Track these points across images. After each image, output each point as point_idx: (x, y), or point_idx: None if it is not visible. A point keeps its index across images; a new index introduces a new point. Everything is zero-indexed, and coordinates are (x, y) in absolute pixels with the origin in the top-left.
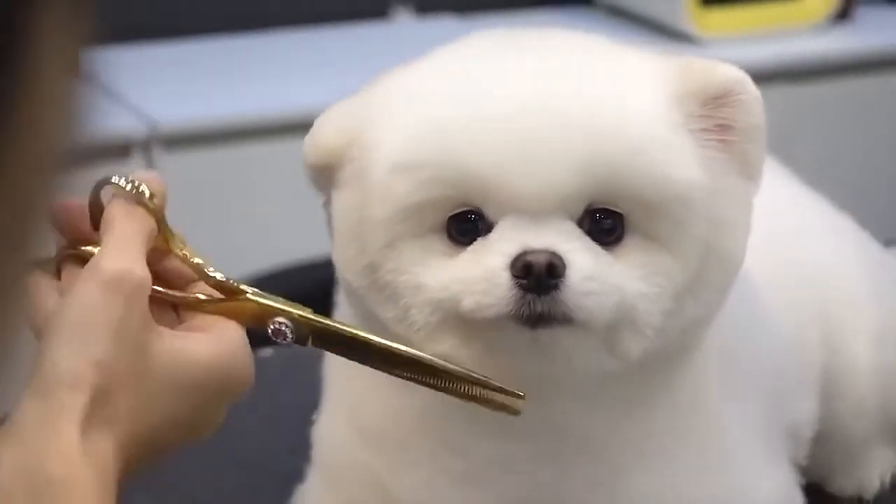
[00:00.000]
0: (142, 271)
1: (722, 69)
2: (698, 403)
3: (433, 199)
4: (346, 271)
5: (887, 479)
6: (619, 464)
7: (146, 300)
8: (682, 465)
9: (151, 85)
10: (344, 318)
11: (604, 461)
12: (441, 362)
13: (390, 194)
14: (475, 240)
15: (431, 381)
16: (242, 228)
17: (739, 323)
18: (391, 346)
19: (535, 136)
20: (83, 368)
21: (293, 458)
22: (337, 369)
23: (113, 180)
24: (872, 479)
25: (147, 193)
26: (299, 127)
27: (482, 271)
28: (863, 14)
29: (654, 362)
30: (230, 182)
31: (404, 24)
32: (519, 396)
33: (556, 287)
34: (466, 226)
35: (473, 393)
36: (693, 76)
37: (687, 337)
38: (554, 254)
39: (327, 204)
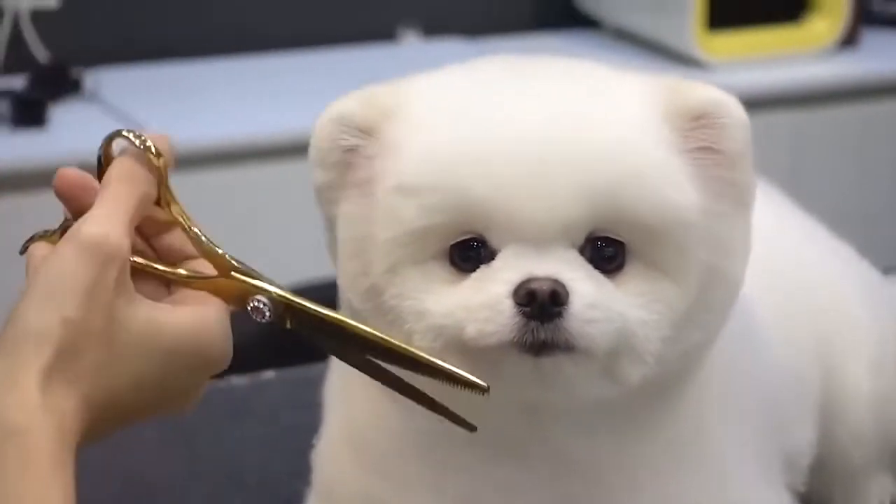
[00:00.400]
0: (119, 238)
1: (702, 90)
2: (697, 428)
3: (436, 225)
4: (349, 291)
5: None
6: (617, 487)
7: (122, 266)
8: (680, 489)
9: (157, 105)
10: None
11: (603, 484)
12: (412, 350)
13: (394, 216)
14: (478, 267)
15: (404, 366)
16: (247, 249)
17: (737, 349)
18: (364, 331)
19: (538, 165)
20: (49, 324)
21: (294, 480)
22: (337, 392)
23: (123, 133)
24: None
25: (153, 150)
26: (305, 149)
27: (485, 298)
28: (869, 40)
29: (654, 387)
30: (236, 203)
31: (411, 45)
32: (483, 389)
33: (559, 315)
34: (469, 253)
35: (441, 378)
36: (678, 96)
37: (687, 362)
38: (557, 281)
39: (331, 225)
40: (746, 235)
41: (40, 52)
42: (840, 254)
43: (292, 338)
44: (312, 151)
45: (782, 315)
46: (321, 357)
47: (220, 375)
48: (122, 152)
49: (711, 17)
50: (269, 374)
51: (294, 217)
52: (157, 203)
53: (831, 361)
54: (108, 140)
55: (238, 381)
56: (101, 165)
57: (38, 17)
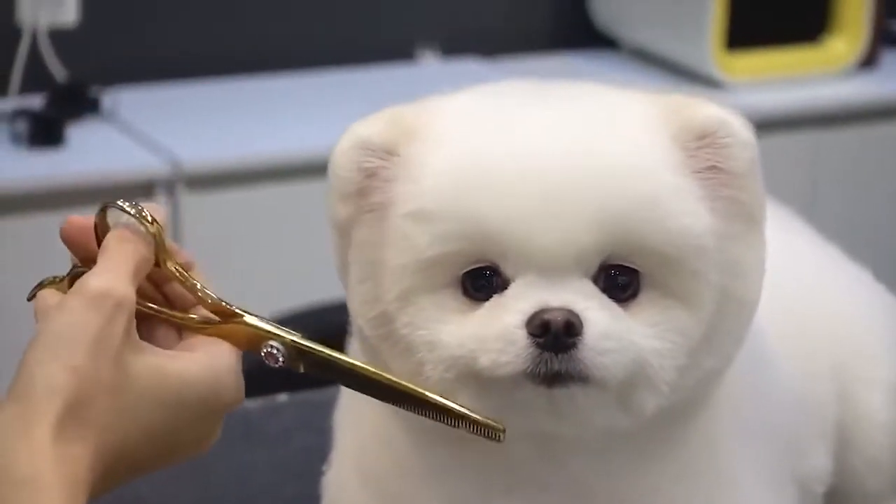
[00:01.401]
0: (125, 290)
1: (706, 109)
2: (710, 454)
3: (449, 253)
4: (360, 317)
5: None
6: None
7: (128, 317)
8: None
9: (176, 125)
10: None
11: None
12: (426, 393)
13: (407, 242)
14: (490, 296)
15: (418, 411)
16: (265, 268)
17: (750, 376)
18: (377, 374)
19: (551, 195)
20: (59, 375)
21: None
22: (346, 418)
23: (117, 204)
24: None
25: (149, 217)
26: (324, 168)
27: (499, 329)
28: (888, 60)
29: (669, 415)
30: (254, 222)
31: (430, 65)
32: (499, 429)
33: (573, 346)
34: (482, 281)
35: (455, 423)
36: (682, 115)
37: (702, 388)
38: (571, 312)
39: (342, 250)
40: (760, 257)
41: (58, 71)
42: (856, 279)
43: None
44: (334, 180)
45: (797, 341)
46: (333, 381)
47: None
48: (117, 224)
49: (730, 37)
50: (282, 398)
51: (312, 237)
52: (157, 265)
53: (847, 388)
54: (102, 210)
55: (251, 404)
56: (97, 234)
57: (56, 35)
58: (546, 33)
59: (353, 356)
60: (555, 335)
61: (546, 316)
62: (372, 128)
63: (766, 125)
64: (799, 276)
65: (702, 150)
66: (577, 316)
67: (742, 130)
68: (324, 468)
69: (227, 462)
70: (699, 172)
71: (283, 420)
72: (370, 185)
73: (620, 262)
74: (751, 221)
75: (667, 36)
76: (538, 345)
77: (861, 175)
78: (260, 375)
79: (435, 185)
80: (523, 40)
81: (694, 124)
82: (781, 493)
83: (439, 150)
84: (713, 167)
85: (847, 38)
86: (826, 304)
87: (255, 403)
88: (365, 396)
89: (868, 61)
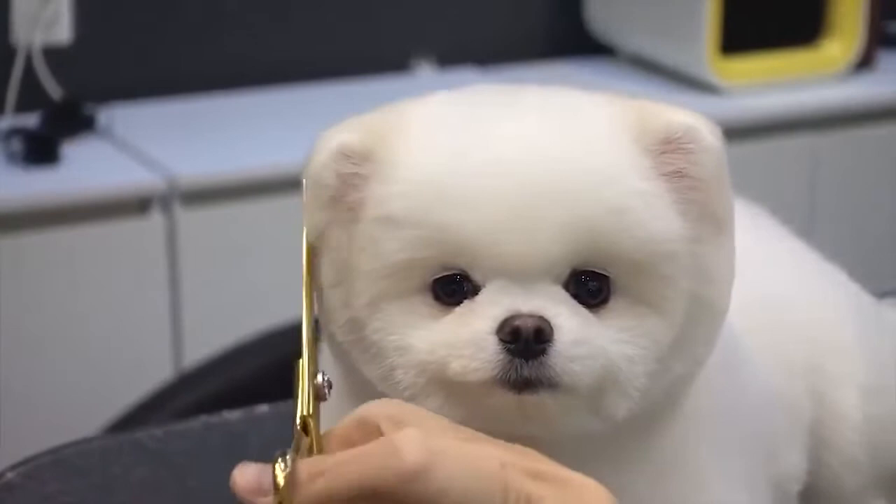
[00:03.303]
0: None
1: (670, 114)
2: (682, 457)
3: (418, 259)
4: (331, 323)
5: None
6: None
7: None
8: None
9: (171, 140)
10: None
11: None
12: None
13: (376, 247)
14: (461, 301)
15: None
16: (262, 282)
17: (723, 378)
18: None
19: (520, 202)
20: None
21: None
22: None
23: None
24: None
25: (280, 482)
26: None
27: (469, 335)
28: (884, 62)
29: (640, 420)
30: (250, 236)
31: (425, 76)
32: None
33: (543, 352)
34: (452, 286)
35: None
36: (645, 120)
37: (673, 392)
38: (542, 318)
39: (317, 256)
40: (730, 261)
41: (53, 90)
42: (830, 278)
43: (287, 378)
44: (313, 189)
45: (771, 341)
46: None
47: (214, 410)
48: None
49: (726, 41)
50: (262, 409)
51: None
52: None
53: (822, 388)
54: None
55: (231, 415)
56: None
57: (50, 54)
58: (542, 42)
59: (324, 362)
60: (525, 341)
61: (516, 322)
62: (348, 134)
63: (763, 129)
64: (770, 274)
65: (667, 154)
66: (547, 322)
67: (708, 136)
68: None
69: (208, 474)
70: (666, 176)
71: (264, 431)
72: (347, 190)
73: (591, 269)
74: (719, 226)
75: (662, 42)
76: (509, 351)
77: (859, 177)
78: (245, 388)
79: (403, 192)
80: (520, 49)
81: (658, 129)
82: (755, 494)
83: (408, 155)
84: (679, 172)
85: (843, 41)
86: (799, 302)
87: (236, 415)
88: (336, 354)
89: (864, 63)
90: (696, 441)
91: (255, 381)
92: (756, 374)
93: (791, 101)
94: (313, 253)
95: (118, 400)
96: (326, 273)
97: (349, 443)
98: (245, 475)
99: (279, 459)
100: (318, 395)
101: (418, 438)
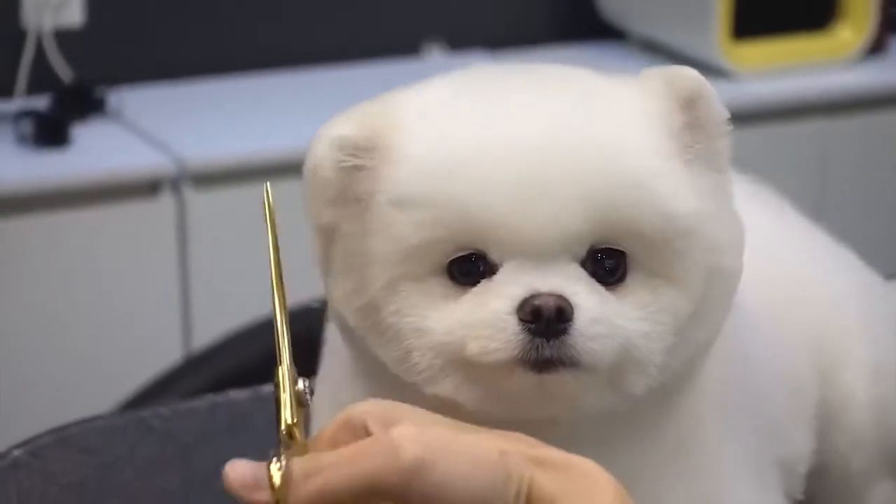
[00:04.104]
0: None
1: (685, 73)
2: (693, 437)
3: (434, 240)
4: (344, 309)
5: None
6: None
7: None
8: (676, 498)
9: (181, 123)
10: (331, 356)
11: None
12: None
13: (390, 231)
14: (478, 281)
15: None
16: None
17: (732, 358)
18: None
19: (538, 179)
20: None
21: None
22: (330, 358)
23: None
24: None
25: (276, 482)
26: None
27: (487, 315)
28: (895, 47)
29: (657, 395)
30: (259, 219)
31: (435, 60)
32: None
33: (564, 331)
34: (468, 267)
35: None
36: (667, 87)
37: (691, 364)
38: (562, 297)
39: (323, 242)
40: (737, 228)
41: (64, 72)
42: (839, 259)
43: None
44: (314, 183)
45: (778, 321)
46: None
47: (220, 390)
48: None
49: (737, 26)
50: (269, 389)
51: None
52: None
53: (829, 368)
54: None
55: (237, 395)
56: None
57: (61, 36)
58: (552, 26)
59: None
60: (546, 321)
61: (537, 301)
62: (346, 126)
63: (773, 114)
64: (778, 253)
65: (687, 113)
66: (567, 301)
67: (708, 83)
68: None
69: (214, 453)
70: (687, 142)
71: (270, 410)
72: (352, 181)
73: (608, 245)
74: (719, 171)
75: (673, 26)
76: (529, 331)
77: (870, 162)
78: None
79: (416, 172)
80: (530, 33)
81: (684, 91)
82: (764, 476)
83: (418, 137)
84: (694, 127)
85: (854, 26)
86: (807, 282)
87: (242, 394)
88: (347, 339)
89: (875, 48)
90: (707, 418)
91: (263, 362)
92: (764, 352)
93: (802, 87)
94: (328, 239)
95: (127, 381)
96: (339, 261)
97: (337, 445)
98: (237, 470)
99: (274, 458)
100: (301, 402)
101: (414, 433)
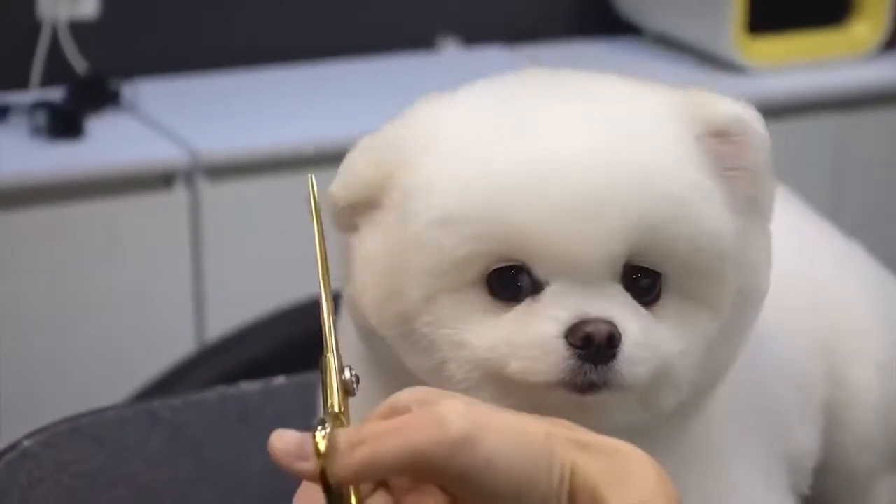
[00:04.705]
0: None
1: (725, 106)
2: (705, 440)
3: (478, 252)
4: (373, 317)
5: None
6: None
7: None
8: (688, 500)
9: (195, 115)
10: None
11: None
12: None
13: (434, 247)
14: (517, 296)
15: None
16: (285, 257)
17: (741, 357)
18: None
19: (584, 196)
20: None
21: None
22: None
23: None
24: None
25: (321, 449)
26: (343, 157)
27: (534, 337)
28: None
29: (682, 409)
30: (273, 211)
31: (451, 54)
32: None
33: (613, 357)
34: (508, 281)
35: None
36: (701, 111)
37: (715, 379)
38: (611, 324)
39: (350, 236)
40: (768, 248)
41: (79, 64)
42: (848, 254)
43: (307, 352)
44: (331, 207)
45: (787, 317)
46: None
47: (233, 382)
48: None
49: (752, 21)
50: (280, 381)
51: (333, 226)
52: None
53: (838, 367)
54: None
55: (248, 386)
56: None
57: (76, 28)
58: (569, 20)
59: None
60: (597, 348)
61: (589, 328)
62: (365, 160)
63: (789, 110)
64: (789, 249)
65: (721, 146)
66: (616, 327)
67: (759, 126)
68: None
69: (224, 444)
70: (721, 171)
71: (281, 402)
72: (382, 200)
73: (644, 265)
74: (763, 214)
75: (689, 22)
76: (578, 356)
77: (886, 158)
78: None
79: (462, 189)
80: (546, 28)
81: (715, 121)
82: (771, 473)
83: (460, 152)
84: (732, 163)
85: (870, 21)
86: (817, 279)
87: (253, 386)
88: (368, 342)
89: (891, 44)
90: (715, 423)
91: (276, 354)
92: (770, 349)
93: (818, 82)
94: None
95: (141, 373)
96: (366, 276)
97: None
98: (283, 440)
99: (318, 427)
100: (347, 391)
101: (463, 408)
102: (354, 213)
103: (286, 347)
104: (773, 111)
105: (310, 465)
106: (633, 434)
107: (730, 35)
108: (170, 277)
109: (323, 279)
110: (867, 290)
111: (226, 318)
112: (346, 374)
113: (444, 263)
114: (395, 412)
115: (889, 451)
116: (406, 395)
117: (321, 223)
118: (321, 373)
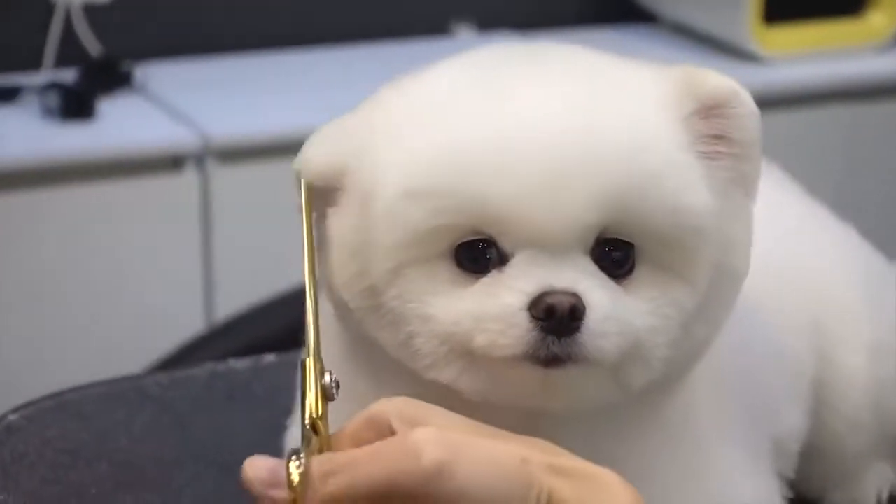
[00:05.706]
0: None
1: (714, 79)
2: (688, 420)
3: (445, 226)
4: (344, 292)
5: (884, 495)
6: None
7: None
8: (668, 481)
9: (207, 98)
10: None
11: None
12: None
13: (400, 221)
14: (485, 268)
15: None
16: (293, 240)
17: (725, 337)
18: None
19: (555, 169)
20: None
21: None
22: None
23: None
24: (869, 494)
25: (294, 479)
26: None
27: (499, 309)
28: None
29: (656, 388)
30: (282, 195)
31: (465, 39)
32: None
33: (577, 329)
34: (476, 253)
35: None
36: (690, 87)
37: (691, 359)
38: (575, 295)
39: (319, 221)
40: (749, 227)
41: (92, 46)
42: (839, 236)
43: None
44: (298, 189)
45: (775, 298)
46: None
47: (221, 359)
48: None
49: (768, 10)
50: (269, 358)
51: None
52: None
53: (827, 349)
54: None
55: (237, 364)
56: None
57: (90, 11)
58: (583, 7)
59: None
60: (559, 319)
61: (551, 300)
62: (323, 150)
63: (804, 99)
64: (777, 230)
65: (710, 119)
66: (580, 299)
67: (750, 101)
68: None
69: (210, 422)
70: (704, 141)
71: (269, 380)
72: (342, 183)
73: (617, 237)
74: (747, 191)
75: (705, 10)
76: (541, 328)
77: None
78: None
79: (429, 160)
80: (560, 15)
81: (705, 94)
82: (756, 455)
83: (428, 126)
84: (719, 137)
85: (887, 11)
86: (807, 259)
87: (243, 363)
88: (344, 320)
89: None
90: (699, 403)
91: (283, 336)
92: (756, 330)
93: (833, 72)
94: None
95: (149, 354)
96: (336, 251)
97: (360, 442)
98: (256, 467)
99: (293, 457)
100: (327, 396)
101: (436, 436)
102: (319, 193)
103: (294, 329)
104: (789, 101)
105: (283, 493)
106: (606, 417)
107: (746, 24)
108: (179, 259)
109: (309, 281)
110: (857, 272)
111: (235, 300)
112: (327, 378)
113: (411, 236)
114: (374, 423)
115: (877, 436)
116: (387, 407)
117: (311, 222)
118: (301, 379)
